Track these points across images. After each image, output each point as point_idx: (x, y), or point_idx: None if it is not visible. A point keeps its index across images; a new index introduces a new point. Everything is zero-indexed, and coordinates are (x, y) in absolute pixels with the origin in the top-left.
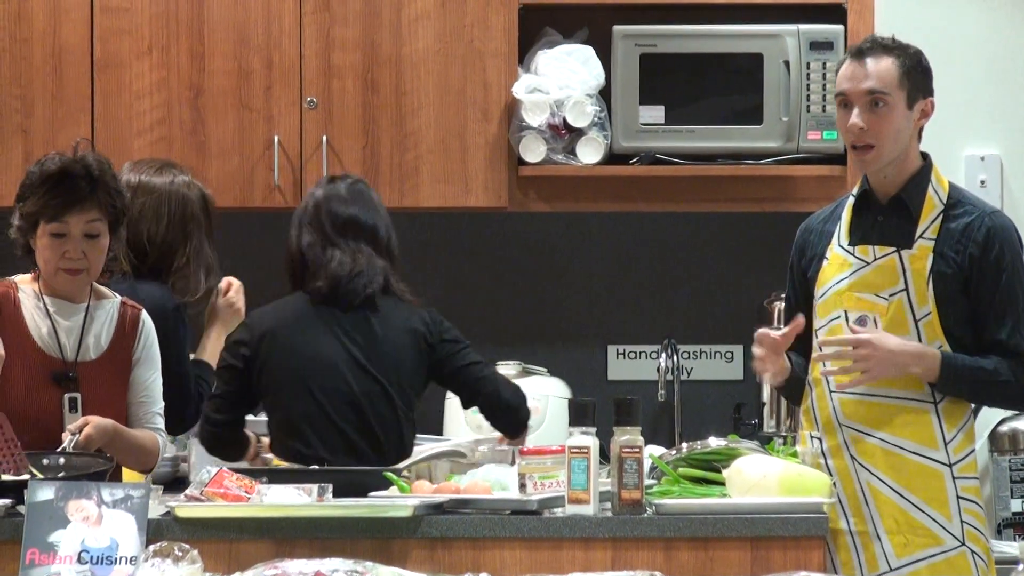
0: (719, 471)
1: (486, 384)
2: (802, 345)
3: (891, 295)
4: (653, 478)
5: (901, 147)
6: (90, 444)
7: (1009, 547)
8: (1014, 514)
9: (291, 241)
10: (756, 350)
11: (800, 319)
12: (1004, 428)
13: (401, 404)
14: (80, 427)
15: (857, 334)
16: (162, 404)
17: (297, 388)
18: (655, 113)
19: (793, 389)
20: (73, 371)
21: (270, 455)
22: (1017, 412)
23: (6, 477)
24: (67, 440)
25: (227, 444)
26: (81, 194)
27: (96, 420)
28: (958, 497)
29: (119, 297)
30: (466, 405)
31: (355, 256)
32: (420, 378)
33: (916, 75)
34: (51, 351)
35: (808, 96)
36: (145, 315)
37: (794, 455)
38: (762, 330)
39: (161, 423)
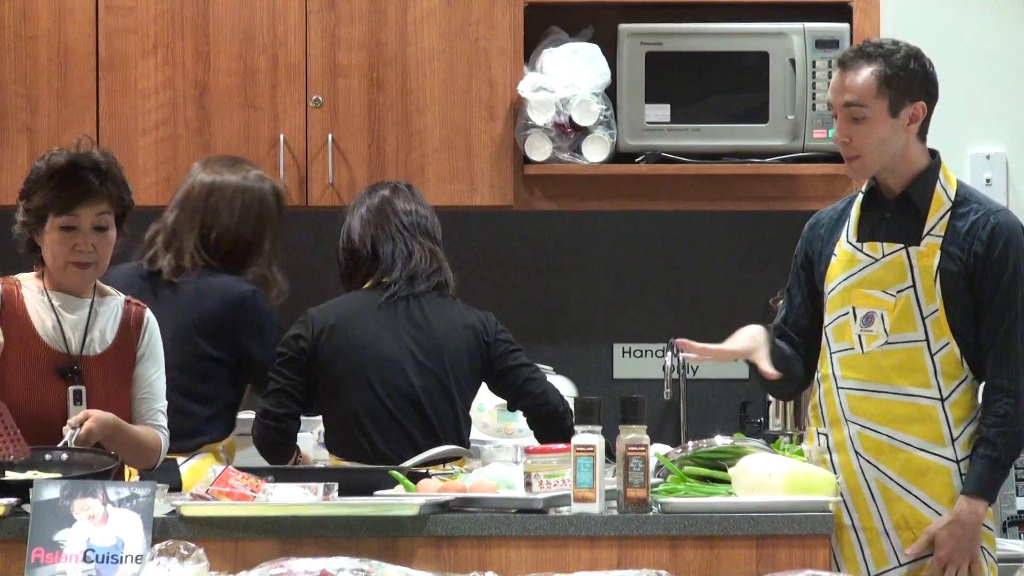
0: (725, 470)
1: (535, 386)
2: (808, 337)
3: (899, 292)
4: (659, 477)
5: (891, 154)
6: (91, 438)
7: (1014, 545)
8: (1019, 512)
9: (350, 238)
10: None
11: (770, 373)
12: None
13: (459, 400)
14: (81, 421)
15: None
16: (165, 402)
17: (356, 383)
18: (661, 111)
19: (774, 383)
20: (78, 364)
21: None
22: None
23: (11, 475)
24: (68, 434)
25: (281, 440)
26: (91, 186)
27: (97, 414)
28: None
29: (123, 295)
30: (511, 407)
31: (418, 251)
32: (476, 375)
33: (900, 81)
34: (55, 345)
35: (814, 95)
36: (149, 313)
37: (800, 454)
38: (683, 342)
39: (163, 421)
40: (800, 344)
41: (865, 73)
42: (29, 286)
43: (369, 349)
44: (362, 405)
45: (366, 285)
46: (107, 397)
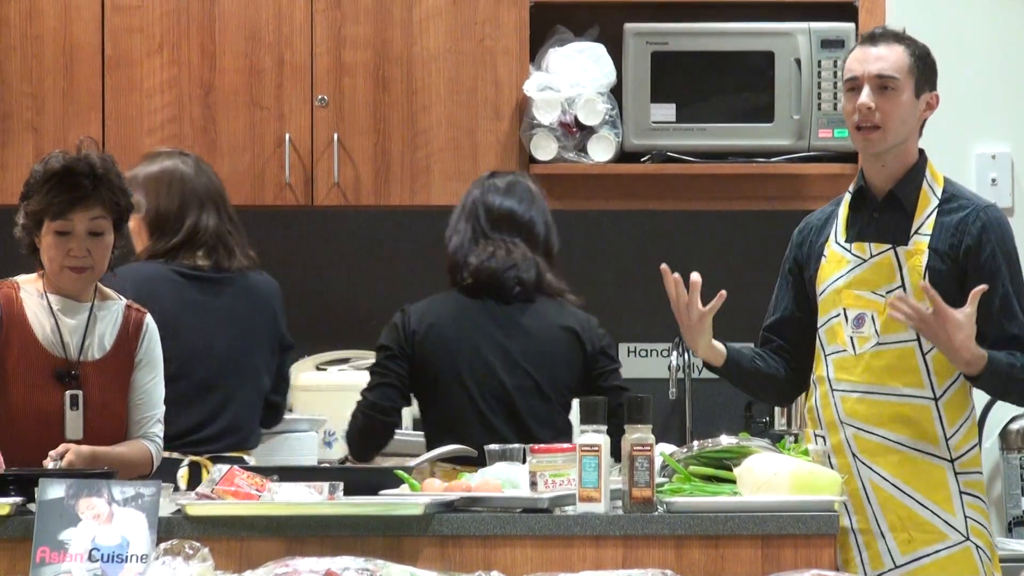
0: (730, 469)
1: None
2: (795, 341)
3: (888, 292)
4: (664, 476)
5: (905, 134)
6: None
7: (1020, 545)
8: None
9: (448, 238)
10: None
11: (723, 293)
12: (1015, 426)
13: (556, 399)
14: (61, 454)
15: (944, 309)
16: (161, 409)
17: (451, 383)
18: (666, 111)
19: (745, 380)
20: (76, 369)
21: None
22: None
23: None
24: (50, 466)
25: (387, 433)
26: (84, 192)
27: (75, 448)
28: (961, 492)
29: (124, 299)
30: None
31: (508, 249)
32: (575, 375)
33: (924, 67)
34: (54, 349)
35: (819, 94)
36: (149, 318)
37: (805, 453)
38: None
39: (158, 430)
40: (786, 348)
41: (898, 49)
42: (28, 289)
43: (463, 349)
44: (457, 406)
45: (466, 283)
46: (105, 402)
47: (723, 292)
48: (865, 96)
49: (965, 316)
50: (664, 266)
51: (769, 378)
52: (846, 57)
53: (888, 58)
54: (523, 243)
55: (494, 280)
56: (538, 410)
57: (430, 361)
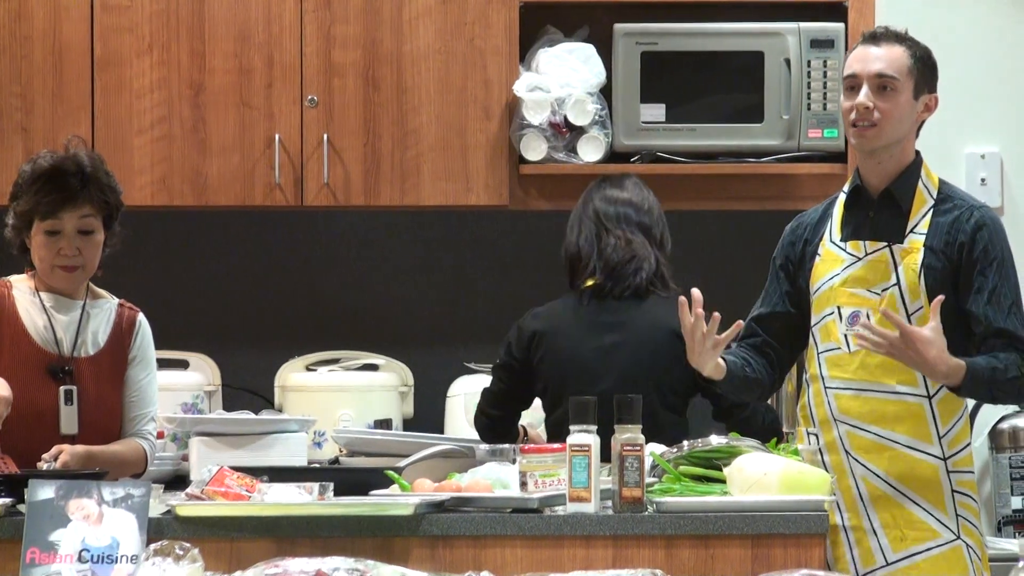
0: (720, 469)
1: (739, 411)
2: (780, 338)
3: (883, 290)
4: (654, 476)
5: (902, 134)
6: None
7: (1009, 544)
8: (1014, 511)
9: (568, 240)
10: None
11: (701, 312)
12: (1004, 425)
13: (663, 405)
14: (55, 455)
15: (910, 331)
16: (154, 407)
17: (560, 393)
18: (656, 111)
19: (739, 388)
20: (69, 365)
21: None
22: (1018, 409)
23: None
24: (44, 467)
25: (496, 437)
26: (73, 191)
27: (69, 448)
28: (953, 491)
29: (116, 299)
30: (714, 416)
31: (628, 243)
32: (685, 378)
33: (924, 68)
34: (47, 345)
35: (809, 94)
36: (142, 317)
37: (795, 453)
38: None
39: (152, 428)
40: (769, 344)
41: (899, 50)
42: (20, 287)
43: (572, 356)
44: (566, 414)
45: (582, 286)
46: (99, 399)
47: (740, 322)
48: (863, 95)
49: (932, 331)
50: (696, 293)
51: (755, 382)
52: (837, 59)
53: (888, 58)
54: (641, 237)
55: (616, 272)
56: (648, 419)
57: (540, 369)
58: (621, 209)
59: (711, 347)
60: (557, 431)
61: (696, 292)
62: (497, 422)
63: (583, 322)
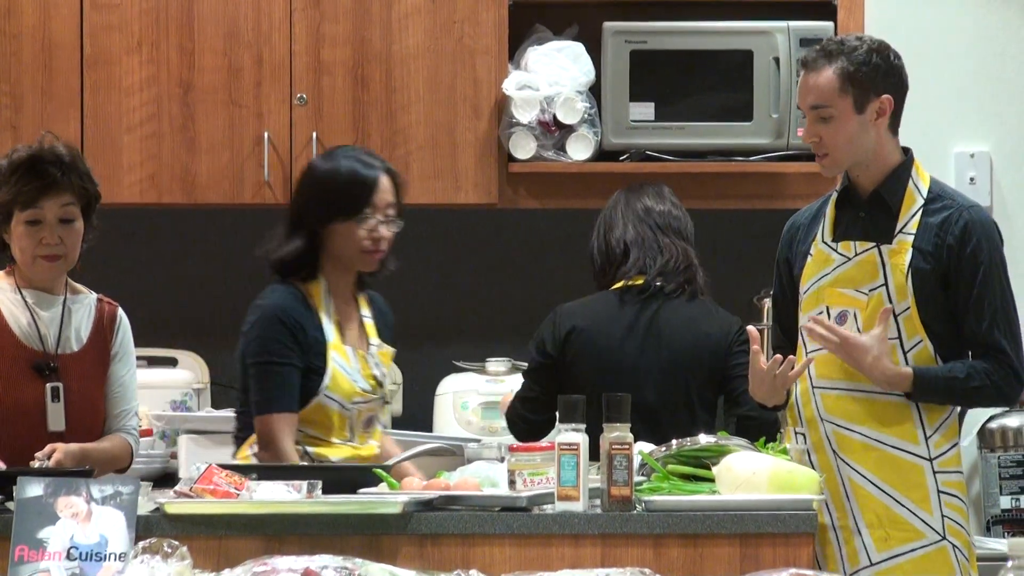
0: (709, 468)
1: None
2: (789, 342)
3: (871, 290)
4: (643, 475)
5: (862, 150)
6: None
7: (998, 544)
8: (1003, 511)
9: (608, 236)
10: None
11: (778, 358)
12: (993, 425)
13: (701, 412)
14: (48, 454)
15: (846, 336)
16: (136, 403)
17: (597, 393)
18: (645, 110)
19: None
20: (55, 361)
21: None
22: (1007, 409)
23: None
24: (38, 466)
25: (533, 440)
26: (53, 178)
27: (63, 447)
28: (939, 491)
29: (94, 293)
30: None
31: (672, 249)
32: (715, 381)
33: (863, 77)
34: (31, 342)
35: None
36: (122, 312)
37: (784, 452)
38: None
39: (135, 423)
40: (791, 347)
41: (827, 73)
42: (1, 285)
43: (609, 358)
44: (598, 413)
45: (616, 285)
46: (85, 395)
47: (811, 356)
48: (806, 131)
49: (871, 338)
50: (752, 330)
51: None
52: None
53: (817, 86)
54: (682, 243)
55: (671, 274)
56: (683, 422)
57: (576, 365)
58: (669, 217)
59: (780, 386)
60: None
61: (752, 329)
62: (536, 427)
63: (625, 323)
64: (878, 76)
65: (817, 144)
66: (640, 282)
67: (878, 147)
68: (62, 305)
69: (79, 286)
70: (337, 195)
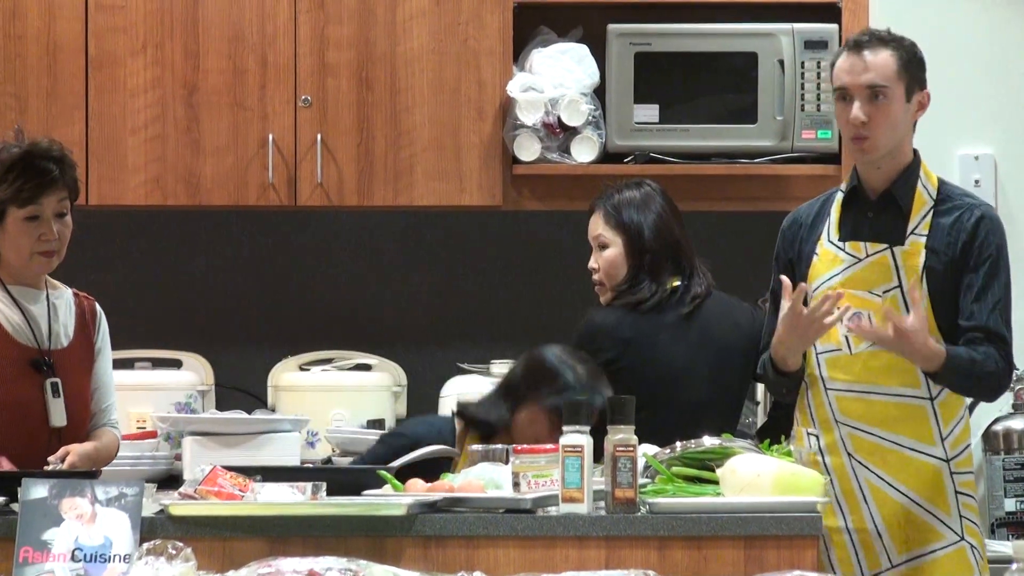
0: (713, 470)
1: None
2: None
3: (885, 292)
4: (647, 477)
5: (898, 139)
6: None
7: (1003, 546)
8: (1008, 513)
9: (642, 239)
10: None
11: (801, 285)
12: (998, 427)
13: (738, 412)
14: (62, 457)
15: (903, 330)
16: (115, 397)
17: (652, 400)
18: (649, 112)
19: (791, 384)
20: (49, 357)
21: None
22: (1012, 411)
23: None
24: (52, 468)
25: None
26: (52, 174)
27: (77, 448)
28: (956, 492)
29: (69, 288)
30: None
31: (684, 270)
32: (749, 372)
33: (913, 67)
34: (25, 339)
35: (802, 95)
36: (98, 306)
37: (788, 454)
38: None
39: (116, 417)
40: None
41: (885, 55)
42: None
43: (661, 365)
44: (652, 422)
45: (653, 291)
46: (78, 387)
47: (848, 305)
48: (857, 109)
49: (918, 319)
50: (785, 280)
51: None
52: (832, 60)
53: (877, 66)
54: (684, 259)
55: (696, 284)
56: (728, 419)
57: (629, 377)
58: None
59: (813, 334)
60: (658, 437)
61: (784, 279)
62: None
63: (674, 331)
64: (923, 71)
65: (862, 125)
66: (677, 285)
67: (905, 141)
68: (46, 300)
69: (55, 280)
70: None
